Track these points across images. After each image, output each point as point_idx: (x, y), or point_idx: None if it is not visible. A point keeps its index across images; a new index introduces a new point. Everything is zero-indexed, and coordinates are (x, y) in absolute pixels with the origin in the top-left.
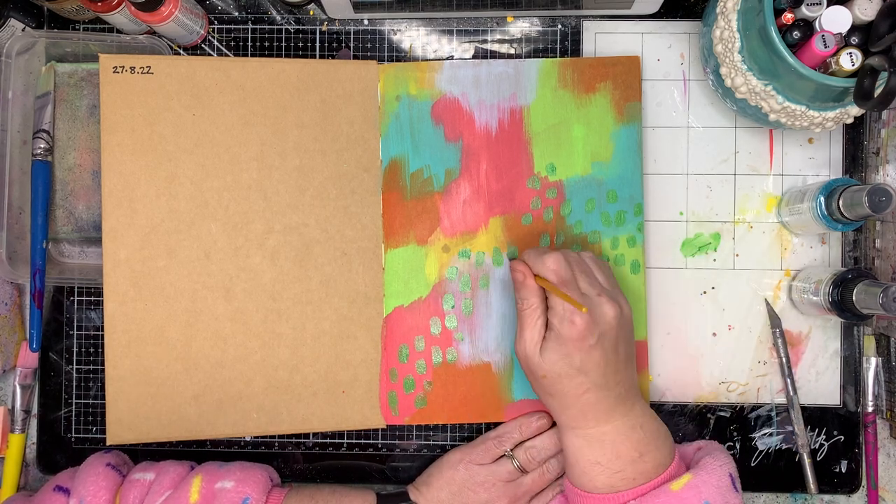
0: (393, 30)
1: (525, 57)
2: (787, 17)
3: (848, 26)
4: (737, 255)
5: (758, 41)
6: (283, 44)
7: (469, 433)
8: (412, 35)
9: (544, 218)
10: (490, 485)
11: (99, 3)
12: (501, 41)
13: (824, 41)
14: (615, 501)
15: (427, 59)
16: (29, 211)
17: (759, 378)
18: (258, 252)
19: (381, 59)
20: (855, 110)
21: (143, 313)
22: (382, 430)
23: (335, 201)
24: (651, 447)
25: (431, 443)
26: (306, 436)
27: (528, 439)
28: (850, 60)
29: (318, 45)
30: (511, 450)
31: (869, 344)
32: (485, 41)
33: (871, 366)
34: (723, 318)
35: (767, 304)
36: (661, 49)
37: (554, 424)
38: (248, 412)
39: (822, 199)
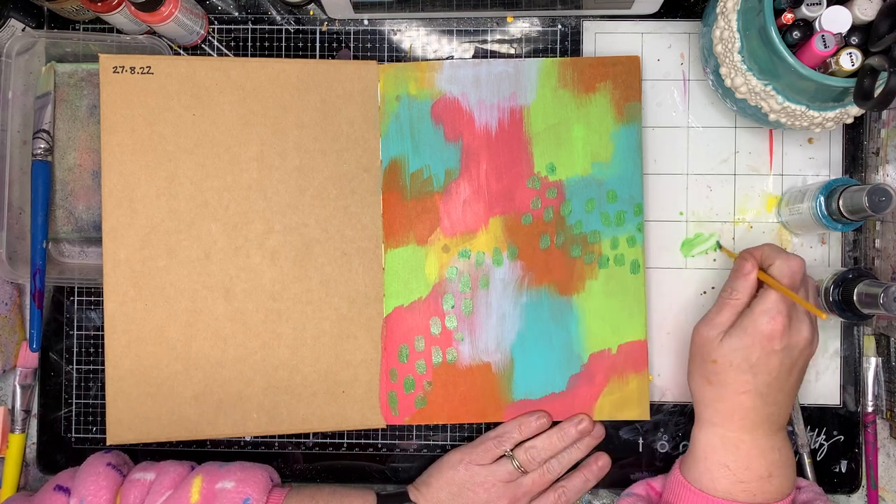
0: (393, 30)
1: (525, 57)
2: (787, 17)
3: (848, 26)
4: None
5: (758, 41)
6: (283, 44)
7: (469, 433)
8: (412, 35)
9: (544, 218)
10: (490, 485)
11: (99, 3)
12: (501, 41)
13: (824, 41)
14: None
15: (427, 59)
16: (29, 211)
17: None
18: (258, 252)
19: (381, 59)
20: (855, 110)
21: (143, 313)
22: (382, 430)
23: (335, 201)
24: (781, 472)
25: (431, 443)
26: (306, 436)
27: (528, 439)
28: (850, 60)
29: (318, 45)
30: (511, 450)
31: (869, 344)
32: (485, 41)
33: (871, 366)
34: None
35: None
36: (661, 49)
37: (553, 424)
38: (248, 412)
39: (822, 199)
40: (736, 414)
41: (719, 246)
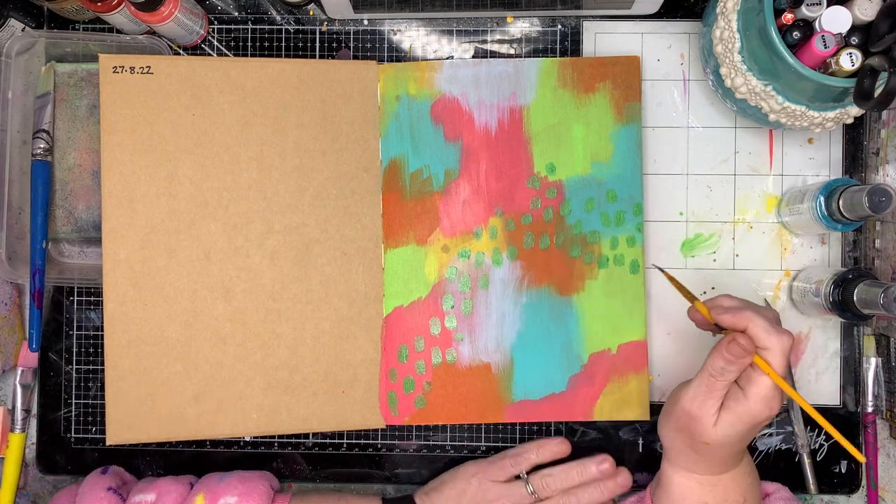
0: (393, 30)
1: (525, 57)
2: (787, 17)
3: (848, 26)
4: (737, 256)
5: (758, 41)
6: (283, 44)
7: (469, 433)
8: (412, 35)
9: (544, 218)
10: None
11: (99, 3)
12: (501, 41)
13: (824, 41)
14: None
15: (427, 60)
16: (29, 211)
17: None
18: (258, 252)
19: (380, 59)
20: (855, 110)
21: (143, 313)
22: (382, 430)
23: (335, 201)
24: (753, 493)
25: (431, 443)
26: (306, 436)
27: (546, 465)
28: (850, 60)
29: (318, 45)
30: (528, 473)
31: (869, 344)
32: (485, 41)
33: (871, 366)
34: None
35: (767, 304)
36: (661, 49)
37: (573, 453)
38: (248, 412)
39: (822, 199)
40: (715, 465)
41: (661, 270)
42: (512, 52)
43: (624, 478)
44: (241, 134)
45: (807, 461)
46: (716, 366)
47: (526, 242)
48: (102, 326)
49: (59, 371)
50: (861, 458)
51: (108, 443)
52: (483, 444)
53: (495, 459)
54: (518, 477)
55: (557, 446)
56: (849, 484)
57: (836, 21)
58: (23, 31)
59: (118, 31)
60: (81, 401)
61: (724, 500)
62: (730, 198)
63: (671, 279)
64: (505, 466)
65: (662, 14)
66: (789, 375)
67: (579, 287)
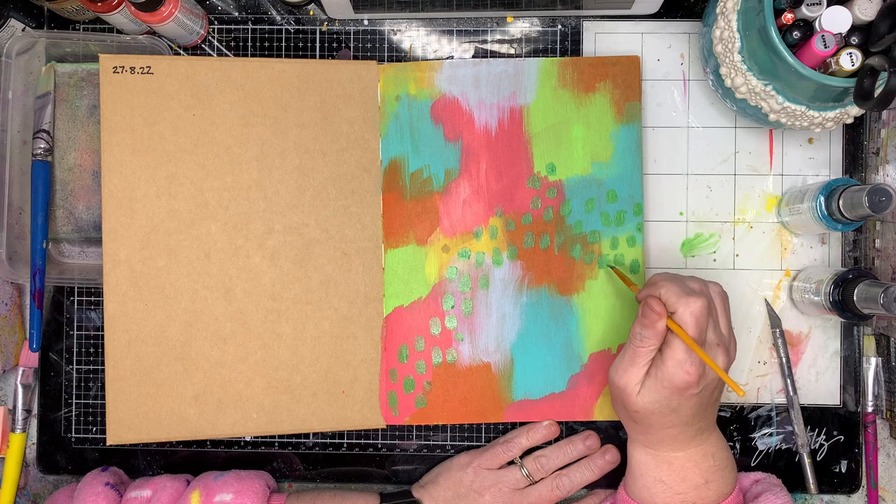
0: (393, 30)
1: (525, 57)
2: (787, 17)
3: (848, 26)
4: (737, 255)
5: (758, 41)
6: (283, 44)
7: (469, 433)
8: (412, 35)
9: (544, 218)
10: (496, 490)
11: (99, 3)
12: (501, 41)
13: (824, 41)
14: None
15: (427, 59)
16: (29, 211)
17: (759, 378)
18: (258, 252)
19: (381, 59)
20: (855, 110)
21: (143, 313)
22: (382, 430)
23: (335, 201)
24: (717, 476)
25: (431, 443)
26: (306, 436)
27: (538, 447)
28: (850, 60)
29: (318, 45)
30: (521, 457)
31: (869, 344)
32: (485, 41)
33: (871, 366)
34: None
35: (767, 304)
36: (661, 49)
37: (562, 434)
38: (248, 412)
39: (822, 199)
40: (665, 441)
41: (611, 268)
42: (512, 52)
43: (612, 454)
44: (242, 134)
45: (807, 461)
46: (634, 332)
47: (526, 242)
48: (103, 326)
49: (59, 371)
50: (740, 392)
51: (108, 443)
52: (483, 444)
53: (487, 448)
54: (511, 463)
55: (546, 429)
56: (849, 484)
57: (836, 21)
58: (23, 31)
59: (118, 32)
60: (82, 401)
61: (681, 479)
62: (730, 198)
63: (618, 273)
64: (497, 453)
65: (662, 14)
66: (789, 374)
67: (579, 287)
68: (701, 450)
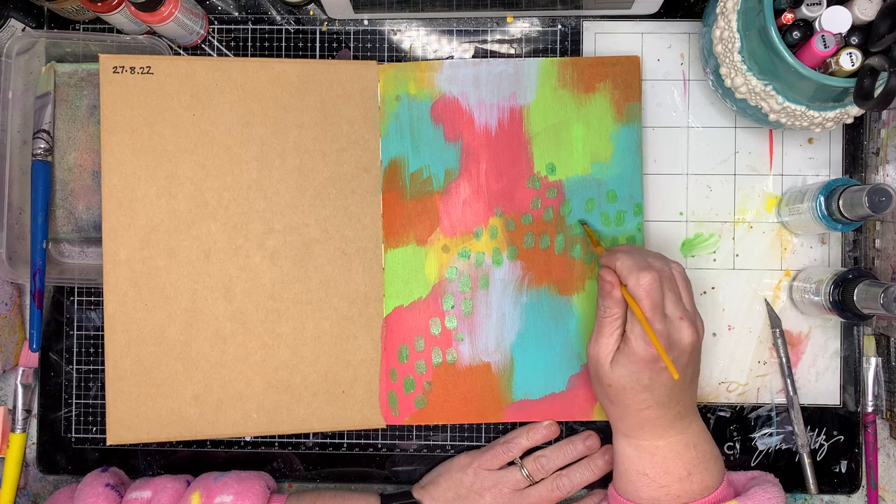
0: (393, 30)
1: (525, 57)
2: (787, 17)
3: (848, 26)
4: (737, 255)
5: (758, 41)
6: (283, 44)
7: (469, 433)
8: (412, 35)
9: (544, 218)
10: (497, 490)
11: (99, 3)
12: (501, 41)
13: (824, 41)
14: None
15: (427, 59)
16: (29, 211)
17: (758, 378)
18: (258, 252)
19: (381, 59)
20: (855, 110)
21: (143, 313)
22: (382, 430)
23: (335, 201)
24: (701, 468)
25: (431, 443)
26: (306, 436)
27: (538, 447)
28: (850, 60)
29: (318, 45)
30: (521, 458)
31: (869, 344)
32: (485, 41)
33: (871, 366)
34: (723, 318)
35: (767, 304)
36: (661, 49)
37: (562, 435)
38: (248, 412)
39: (822, 199)
40: (645, 426)
41: (582, 224)
42: (512, 52)
43: (612, 455)
44: (242, 134)
45: (807, 461)
46: (598, 304)
47: (526, 242)
48: (102, 326)
49: (59, 371)
50: (675, 374)
51: (108, 443)
52: (483, 444)
53: (487, 448)
54: (511, 463)
55: (546, 429)
56: (849, 484)
57: (836, 21)
58: (23, 31)
59: (118, 31)
60: (82, 401)
61: (664, 472)
62: (730, 198)
63: (587, 231)
64: (498, 454)
65: (662, 14)
66: (789, 374)
67: (579, 287)
68: (682, 439)
